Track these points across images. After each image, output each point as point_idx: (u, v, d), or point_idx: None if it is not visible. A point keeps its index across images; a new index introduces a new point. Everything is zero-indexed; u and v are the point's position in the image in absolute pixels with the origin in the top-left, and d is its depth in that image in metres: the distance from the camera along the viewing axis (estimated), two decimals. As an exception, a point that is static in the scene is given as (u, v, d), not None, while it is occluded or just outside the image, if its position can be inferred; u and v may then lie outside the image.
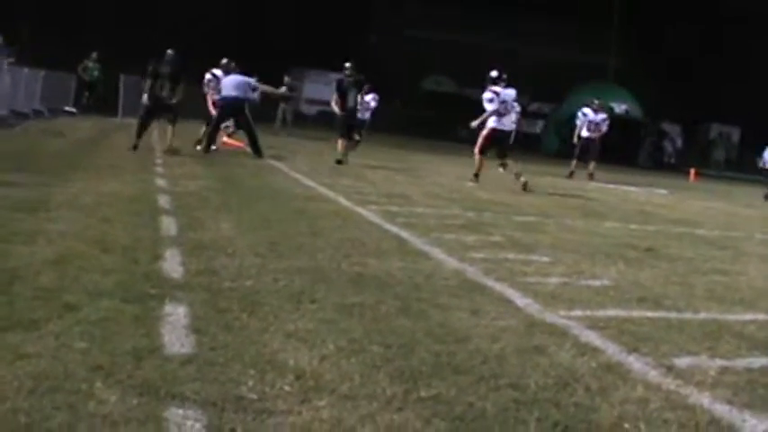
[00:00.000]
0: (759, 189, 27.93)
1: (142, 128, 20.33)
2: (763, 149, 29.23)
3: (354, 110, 23.07)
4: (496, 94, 19.17)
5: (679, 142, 52.93)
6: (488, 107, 19.22)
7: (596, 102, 27.60)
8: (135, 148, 19.41)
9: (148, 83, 20.49)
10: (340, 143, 22.09)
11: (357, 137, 26.66)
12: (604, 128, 27.05)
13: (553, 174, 26.68)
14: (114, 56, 36.46)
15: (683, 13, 57.95)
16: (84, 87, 36.73)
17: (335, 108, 22.71)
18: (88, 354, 4.60)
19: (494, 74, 19.44)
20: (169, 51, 20.52)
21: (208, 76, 23.09)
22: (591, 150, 26.81)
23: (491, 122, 19.31)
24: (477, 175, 19.19)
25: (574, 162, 26.74)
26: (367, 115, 29.96)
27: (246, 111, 21.31)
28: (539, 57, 59.40)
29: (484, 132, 19.43)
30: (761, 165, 28.63)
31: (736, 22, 55.59)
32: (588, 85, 49.91)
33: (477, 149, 19.58)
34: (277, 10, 54.91)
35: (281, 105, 34.50)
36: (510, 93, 19.47)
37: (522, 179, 18.57)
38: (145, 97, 20.49)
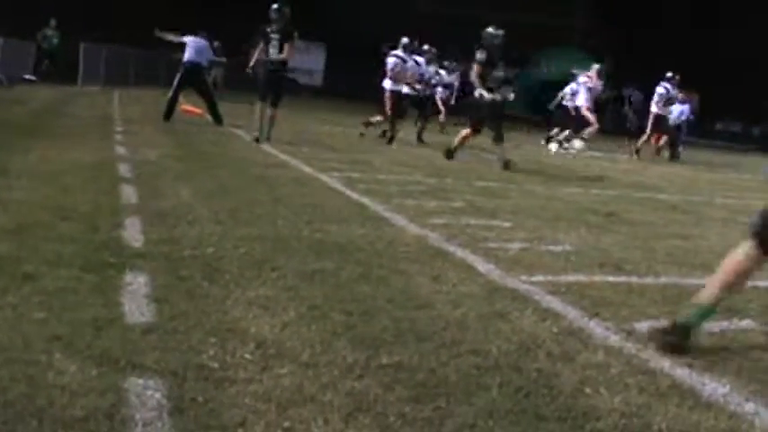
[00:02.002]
0: (714, 153, 28.09)
1: (262, 99, 17.74)
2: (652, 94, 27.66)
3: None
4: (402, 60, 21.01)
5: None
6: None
7: (677, 77, 26.31)
8: (257, 140, 17.06)
9: (259, 48, 17.88)
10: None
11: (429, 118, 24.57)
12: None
13: (517, 139, 26.76)
14: (74, 23, 36.15)
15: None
16: (43, 55, 36.41)
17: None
18: (47, 324, 4.56)
19: (405, 40, 21.23)
20: (275, 6, 17.61)
21: (392, 60, 21.00)
22: (664, 125, 26.21)
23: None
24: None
25: (644, 138, 26.12)
26: (438, 91, 27.21)
27: (204, 77, 21.25)
28: (500, 21, 59.18)
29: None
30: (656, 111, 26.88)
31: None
32: (551, 50, 49.94)
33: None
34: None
35: (213, 71, 34.18)
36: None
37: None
38: (251, 64, 18.42)
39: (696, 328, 5.23)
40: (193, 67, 21.04)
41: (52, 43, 36.41)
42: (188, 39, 21.35)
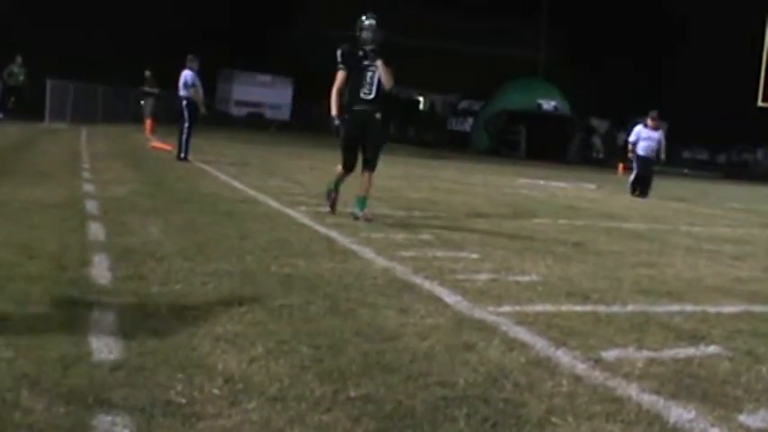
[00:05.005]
0: (684, 182, 28.24)
1: (347, 168, 12.53)
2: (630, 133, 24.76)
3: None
4: None
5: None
6: None
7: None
8: (333, 207, 12.40)
9: (338, 84, 12.36)
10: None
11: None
12: None
13: (484, 171, 26.87)
14: (40, 60, 36.11)
15: (612, 10, 58.47)
16: (9, 92, 36.33)
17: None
18: (14, 363, 4.54)
19: None
20: (368, 18, 12.01)
21: None
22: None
23: None
24: None
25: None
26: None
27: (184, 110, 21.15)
28: (466, 54, 59.53)
29: None
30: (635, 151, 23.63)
31: (663, 22, 56.41)
32: (517, 82, 50.26)
33: None
34: (204, 10, 54.70)
35: (143, 102, 34.24)
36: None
37: None
38: (334, 115, 12.34)
39: None
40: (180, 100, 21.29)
41: (18, 80, 36.35)
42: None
